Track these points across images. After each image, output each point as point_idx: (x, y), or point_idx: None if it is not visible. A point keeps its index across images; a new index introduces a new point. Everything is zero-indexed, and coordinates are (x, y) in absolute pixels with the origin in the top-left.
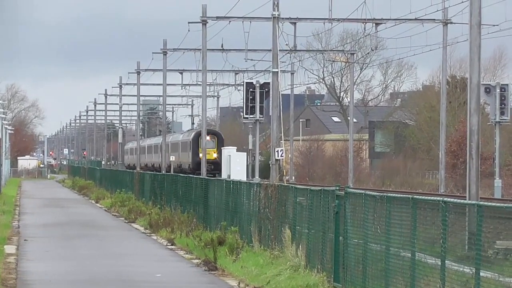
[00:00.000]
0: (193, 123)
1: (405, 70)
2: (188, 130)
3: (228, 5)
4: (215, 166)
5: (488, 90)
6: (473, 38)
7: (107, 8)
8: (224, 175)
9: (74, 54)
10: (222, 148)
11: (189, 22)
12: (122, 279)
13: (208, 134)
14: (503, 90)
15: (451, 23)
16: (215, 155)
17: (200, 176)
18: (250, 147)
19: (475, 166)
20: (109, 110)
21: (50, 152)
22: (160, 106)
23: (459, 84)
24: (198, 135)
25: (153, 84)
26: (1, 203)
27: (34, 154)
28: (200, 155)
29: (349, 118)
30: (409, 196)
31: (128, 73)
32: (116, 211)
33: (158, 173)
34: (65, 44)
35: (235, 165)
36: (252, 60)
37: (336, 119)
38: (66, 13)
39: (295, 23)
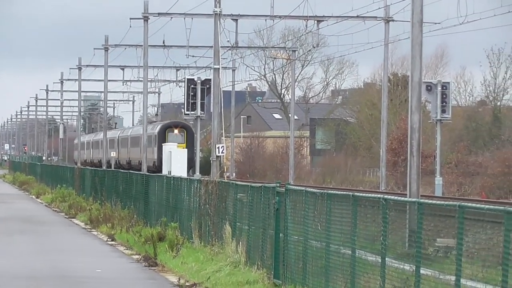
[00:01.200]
0: (156, 114)
1: (347, 67)
2: (152, 123)
3: (170, 1)
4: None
5: (429, 88)
6: (415, 36)
7: (51, 4)
8: (164, 171)
9: (17, 50)
10: (163, 144)
11: (130, 18)
12: (63, 275)
13: (176, 127)
14: (444, 88)
15: (393, 20)
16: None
17: (140, 172)
18: None
19: (415, 164)
20: (50, 106)
21: None
22: (101, 102)
23: (400, 81)
24: (165, 128)
25: (95, 80)
26: None
27: None
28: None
29: (290, 115)
30: (350, 193)
31: (70, 69)
32: (57, 207)
33: (98, 168)
34: (7, 39)
35: (175, 161)
36: (193, 56)
37: (277, 116)
38: (7, 8)
39: (236, 19)
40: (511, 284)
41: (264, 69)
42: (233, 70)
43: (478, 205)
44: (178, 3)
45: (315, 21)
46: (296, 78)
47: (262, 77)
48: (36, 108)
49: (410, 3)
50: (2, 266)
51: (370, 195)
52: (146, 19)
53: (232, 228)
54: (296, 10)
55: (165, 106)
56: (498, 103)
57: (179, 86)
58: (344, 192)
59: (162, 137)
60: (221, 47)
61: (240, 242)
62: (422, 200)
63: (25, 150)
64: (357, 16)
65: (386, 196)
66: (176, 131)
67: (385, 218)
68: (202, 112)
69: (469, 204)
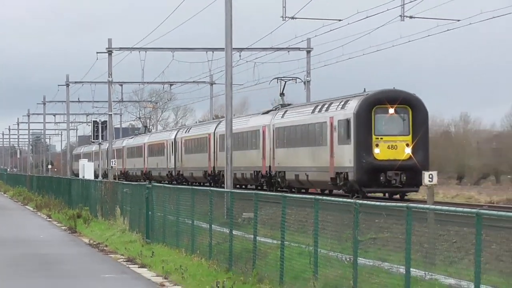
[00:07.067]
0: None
1: (188, 112)
2: (330, 100)
3: (82, 73)
4: (410, 177)
5: None
6: (228, 93)
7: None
8: (80, 176)
9: None
10: (79, 160)
11: (58, 85)
12: (20, 239)
13: (393, 102)
14: None
15: (215, 83)
16: (408, 151)
17: (66, 177)
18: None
19: (230, 169)
20: (12, 139)
21: None
22: (41, 136)
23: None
24: (371, 105)
25: (38, 122)
26: None
27: None
28: (377, 150)
29: None
30: (189, 187)
31: (22, 116)
32: (16, 199)
33: (40, 175)
34: None
35: (87, 170)
36: (97, 107)
37: None
38: None
39: (122, 84)
40: (287, 239)
41: (139, 114)
42: (120, 115)
43: (266, 193)
44: (88, 75)
45: (169, 85)
46: (158, 119)
47: (138, 118)
48: (3, 141)
49: (224, 72)
50: None
51: (202, 188)
52: (67, 85)
53: (120, 209)
54: (158, 78)
55: (81, 137)
56: None
57: (88, 125)
58: (185, 187)
59: (365, 121)
60: (113, 101)
61: (126, 218)
62: (233, 190)
63: None
64: (193, 82)
65: (211, 188)
66: (391, 110)
67: (211, 201)
68: (103, 141)
69: (262, 193)
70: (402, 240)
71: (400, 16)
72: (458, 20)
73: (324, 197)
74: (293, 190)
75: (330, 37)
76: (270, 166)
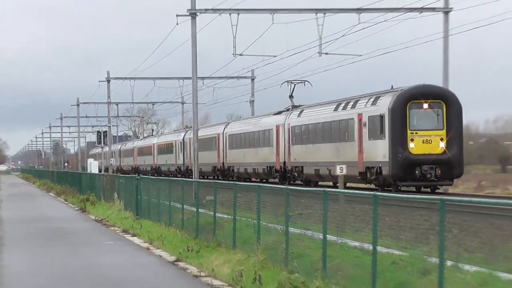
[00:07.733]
0: (292, 97)
1: (166, 124)
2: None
3: (89, 96)
4: (444, 170)
5: None
6: (194, 110)
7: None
8: (88, 171)
9: (12, 117)
10: (92, 162)
11: (71, 105)
12: (43, 218)
13: (427, 97)
14: None
15: (185, 103)
16: (442, 145)
17: (77, 172)
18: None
19: (197, 165)
20: (38, 144)
21: (12, 163)
22: (60, 142)
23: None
24: (406, 101)
25: (57, 132)
26: None
27: (5, 163)
28: (412, 145)
29: None
30: (166, 178)
31: (45, 127)
32: (41, 188)
33: (59, 171)
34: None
35: (93, 166)
36: (99, 121)
37: None
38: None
39: (117, 104)
40: (238, 215)
41: (131, 125)
42: (117, 126)
43: (223, 182)
44: (93, 97)
45: (152, 104)
46: (144, 129)
47: (130, 129)
48: (32, 145)
49: (191, 95)
50: (15, 215)
51: (176, 178)
52: (78, 105)
53: (117, 194)
54: (143, 99)
55: (88, 142)
56: None
57: (93, 133)
58: (164, 178)
59: (400, 116)
60: (111, 116)
61: (121, 201)
62: (199, 180)
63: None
64: (169, 102)
65: (183, 179)
66: (425, 105)
67: (183, 188)
68: (105, 145)
69: (219, 182)
70: (321, 215)
71: (318, 53)
72: (360, 55)
73: (265, 184)
74: (309, 184)
75: (269, 68)
76: (284, 162)
